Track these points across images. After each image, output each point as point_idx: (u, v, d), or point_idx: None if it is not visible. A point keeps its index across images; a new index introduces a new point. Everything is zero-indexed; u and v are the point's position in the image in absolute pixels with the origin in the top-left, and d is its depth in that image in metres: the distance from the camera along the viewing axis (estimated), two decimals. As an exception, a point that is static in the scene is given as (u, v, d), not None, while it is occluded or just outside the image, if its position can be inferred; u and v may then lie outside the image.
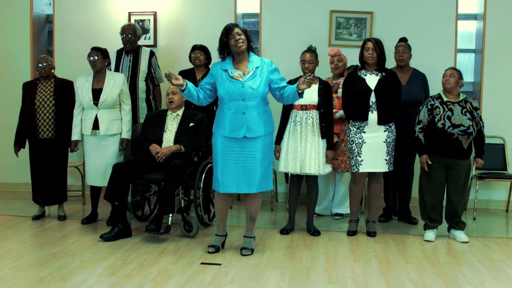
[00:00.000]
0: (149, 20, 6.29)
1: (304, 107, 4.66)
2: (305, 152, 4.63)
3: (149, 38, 6.28)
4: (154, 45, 6.26)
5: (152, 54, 5.62)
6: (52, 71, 5.22)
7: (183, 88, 3.97)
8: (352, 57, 5.67)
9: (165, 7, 6.31)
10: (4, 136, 6.56)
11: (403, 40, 5.26)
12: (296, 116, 4.68)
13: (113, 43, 5.78)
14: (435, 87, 5.28)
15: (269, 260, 4.06)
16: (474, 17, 6.22)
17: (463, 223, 4.72)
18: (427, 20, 5.96)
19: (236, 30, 4.02)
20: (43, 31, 6.77)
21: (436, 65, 5.71)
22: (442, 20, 5.94)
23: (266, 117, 4.11)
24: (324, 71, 5.44)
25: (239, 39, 4.00)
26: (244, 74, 4.03)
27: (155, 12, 6.30)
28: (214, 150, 4.14)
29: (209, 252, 4.17)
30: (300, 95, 4.01)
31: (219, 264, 3.93)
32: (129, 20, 6.27)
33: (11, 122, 6.50)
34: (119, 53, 5.60)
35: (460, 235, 4.65)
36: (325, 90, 4.72)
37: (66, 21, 6.46)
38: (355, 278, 3.70)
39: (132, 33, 5.49)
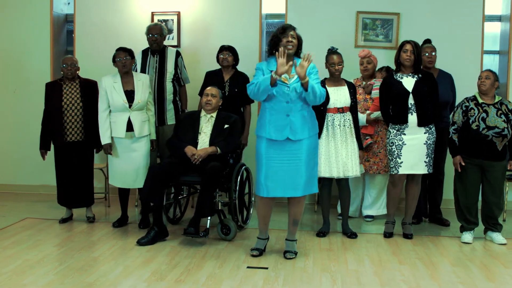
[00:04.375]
0: (173, 20, 6.21)
1: (340, 110, 4.63)
2: (346, 154, 4.60)
3: (173, 38, 6.19)
4: (178, 45, 6.18)
5: (178, 54, 5.54)
6: (77, 72, 5.14)
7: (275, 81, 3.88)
8: (378, 58, 5.65)
9: (188, 7, 6.23)
10: (21, 136, 6.47)
11: (428, 41, 5.24)
12: (334, 119, 4.62)
13: (136, 44, 5.69)
14: (461, 89, 5.29)
15: (314, 263, 4.02)
16: (498, 18, 6.22)
17: (499, 225, 4.71)
18: (454, 21, 5.93)
19: (292, 32, 4.01)
20: (62, 31, 6.67)
21: (462, 67, 5.73)
22: (469, 21, 5.92)
23: (310, 119, 4.07)
24: (351, 72, 5.42)
25: (291, 41, 3.98)
26: (290, 77, 3.99)
27: (179, 12, 6.21)
28: (259, 153, 4.05)
29: (253, 256, 4.12)
30: (306, 88, 3.93)
31: (266, 268, 3.88)
32: (152, 20, 6.18)
33: (30, 122, 6.43)
34: (145, 53, 5.50)
35: (497, 237, 4.64)
36: (354, 91, 4.74)
37: (87, 21, 6.35)
38: (407, 282, 3.67)
39: (158, 33, 5.40)
